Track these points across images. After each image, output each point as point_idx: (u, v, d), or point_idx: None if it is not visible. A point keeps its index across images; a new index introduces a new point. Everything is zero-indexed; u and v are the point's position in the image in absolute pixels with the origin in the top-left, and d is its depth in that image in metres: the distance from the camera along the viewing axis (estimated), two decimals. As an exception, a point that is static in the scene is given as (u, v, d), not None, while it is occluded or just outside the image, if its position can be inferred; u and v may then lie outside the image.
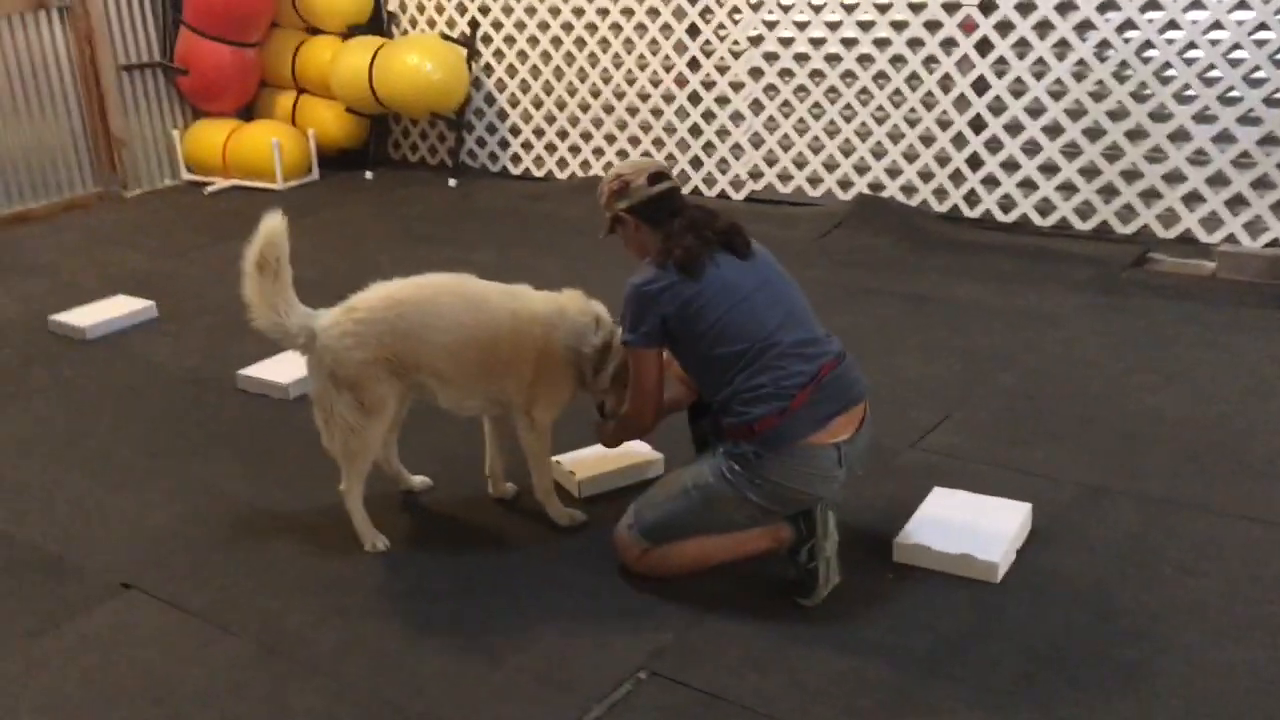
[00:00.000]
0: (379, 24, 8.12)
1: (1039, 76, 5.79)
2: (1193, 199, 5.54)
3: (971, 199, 6.17)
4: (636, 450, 3.75)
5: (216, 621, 3.10)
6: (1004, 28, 5.82)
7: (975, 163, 6.10)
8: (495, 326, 3.32)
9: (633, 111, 7.22)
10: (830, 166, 6.57)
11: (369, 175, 8.10)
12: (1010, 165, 5.99)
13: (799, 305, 3.12)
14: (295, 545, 3.46)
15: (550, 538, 3.43)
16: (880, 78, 6.24)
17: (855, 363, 3.14)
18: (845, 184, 6.54)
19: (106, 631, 3.09)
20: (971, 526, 3.22)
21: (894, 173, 6.37)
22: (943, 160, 6.19)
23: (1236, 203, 5.43)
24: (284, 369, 4.53)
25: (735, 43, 6.69)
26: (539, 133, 7.72)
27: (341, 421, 3.27)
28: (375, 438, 3.35)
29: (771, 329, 3.01)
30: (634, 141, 7.26)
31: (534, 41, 7.52)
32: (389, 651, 2.95)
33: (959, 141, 6.11)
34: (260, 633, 3.04)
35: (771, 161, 6.76)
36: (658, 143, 7.14)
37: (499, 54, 7.72)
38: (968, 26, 5.93)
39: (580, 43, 7.32)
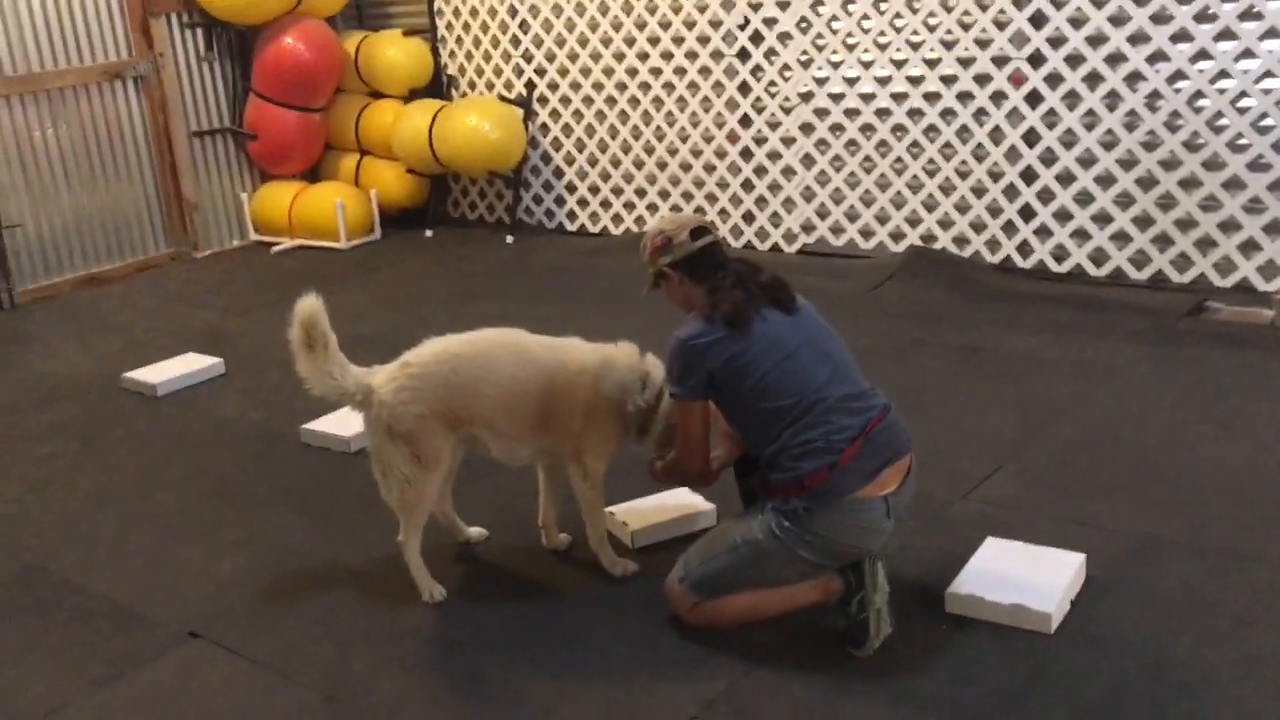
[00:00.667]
0: (439, 87, 8.36)
1: (1090, 128, 5.81)
2: (1249, 247, 5.51)
3: (1024, 250, 6.17)
4: (689, 501, 3.80)
5: (280, 670, 3.18)
6: (1054, 80, 5.85)
7: (1028, 213, 6.12)
8: (546, 379, 3.40)
9: (686, 167, 7.35)
10: (882, 219, 6.62)
11: (429, 233, 8.30)
12: (1063, 215, 5.99)
13: (845, 360, 3.15)
14: (356, 595, 3.54)
15: (603, 587, 3.48)
16: (931, 131, 6.30)
17: (899, 415, 3.16)
18: (897, 236, 6.59)
19: (174, 679, 3.18)
20: (1025, 577, 3.21)
21: (946, 224, 6.40)
22: (995, 211, 6.22)
23: (1294, 250, 5.39)
24: (346, 423, 4.64)
25: (786, 99, 6.79)
26: (594, 189, 7.87)
27: (398, 474, 3.36)
28: (431, 490, 3.43)
29: (819, 384, 3.03)
30: (687, 197, 7.37)
31: (588, 100, 7.69)
32: (446, 699, 3.00)
33: (1010, 193, 6.14)
34: (322, 681, 3.11)
35: (824, 215, 6.83)
36: (710, 198, 7.25)
37: (555, 113, 7.91)
38: (1016, 79, 5.98)
39: (634, 101, 7.48)
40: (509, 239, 7.93)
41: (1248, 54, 5.32)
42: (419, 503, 3.41)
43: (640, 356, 3.50)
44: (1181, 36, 5.47)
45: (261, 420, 5.04)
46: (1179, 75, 5.52)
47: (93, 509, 4.30)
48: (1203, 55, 5.44)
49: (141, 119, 7.86)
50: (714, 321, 3.08)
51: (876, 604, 3.02)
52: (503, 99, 7.91)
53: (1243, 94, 5.36)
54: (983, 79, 6.07)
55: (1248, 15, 5.28)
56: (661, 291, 3.32)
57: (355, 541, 3.87)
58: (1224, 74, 5.40)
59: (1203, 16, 5.39)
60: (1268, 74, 5.28)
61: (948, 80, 6.18)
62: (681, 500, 3.81)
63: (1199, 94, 5.48)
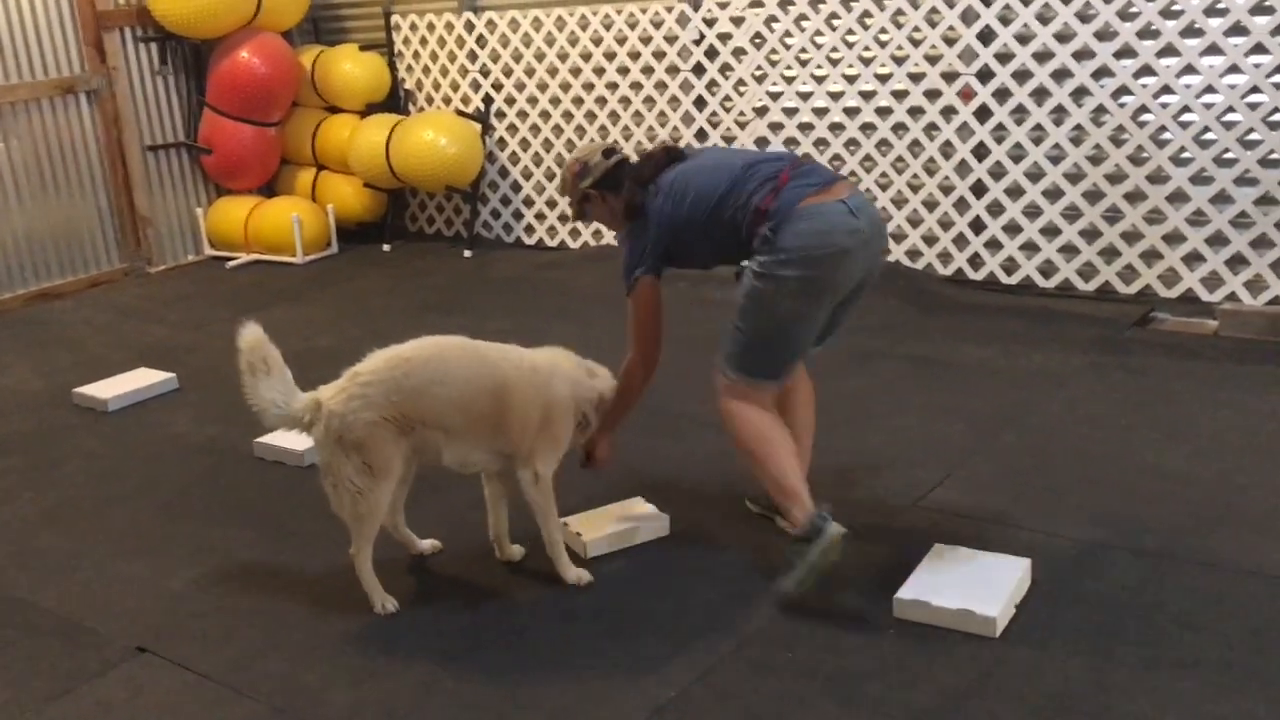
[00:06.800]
0: (396, 102, 8.36)
1: (1037, 142, 5.91)
2: (1193, 259, 5.62)
3: (975, 262, 6.26)
4: (643, 510, 3.83)
5: (229, 683, 3.16)
6: (1002, 95, 5.95)
7: (978, 226, 6.20)
8: (500, 378, 3.43)
9: (643, 182, 7.38)
10: (836, 232, 6.68)
11: (386, 248, 8.29)
12: (1012, 228, 6.09)
13: (749, 151, 3.77)
14: (307, 607, 3.53)
15: (556, 597, 3.49)
16: (883, 145, 6.38)
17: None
18: (851, 249, 6.65)
19: (122, 695, 3.16)
20: (971, 582, 3.26)
21: (899, 237, 6.47)
22: (946, 225, 6.30)
23: (1236, 262, 5.49)
24: (300, 436, 4.62)
25: (741, 114, 6.86)
26: (551, 204, 7.89)
27: (350, 485, 3.35)
28: (383, 500, 3.42)
29: (741, 164, 3.41)
30: (644, 211, 7.40)
31: (545, 115, 7.72)
32: (398, 710, 3.00)
33: (961, 206, 6.23)
34: (272, 694, 3.10)
35: (779, 228, 6.88)
36: (667, 212, 7.28)
37: (512, 128, 7.93)
38: (965, 94, 6.07)
39: (590, 115, 7.52)
40: (466, 253, 7.94)
41: (1190, 70, 5.44)
42: (370, 513, 3.40)
43: (577, 356, 3.66)
44: (1125, 52, 5.58)
45: (214, 435, 5.00)
46: (1123, 90, 5.63)
47: (41, 525, 4.25)
48: (1146, 71, 5.56)
49: (94, 134, 7.80)
50: (634, 221, 3.53)
51: (810, 557, 3.20)
52: (460, 113, 7.92)
53: (1185, 109, 5.48)
54: (933, 94, 6.16)
55: (1189, 32, 5.40)
56: (589, 217, 3.72)
57: (307, 554, 3.86)
58: (1167, 89, 5.51)
59: (1146, 33, 5.51)
60: (1209, 89, 5.40)
61: (899, 95, 6.27)
62: (635, 510, 3.84)
63: (1143, 109, 5.60)
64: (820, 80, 6.51)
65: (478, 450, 3.48)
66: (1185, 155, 5.54)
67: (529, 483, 3.49)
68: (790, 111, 6.66)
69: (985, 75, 6.00)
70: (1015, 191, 6.03)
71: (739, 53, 6.78)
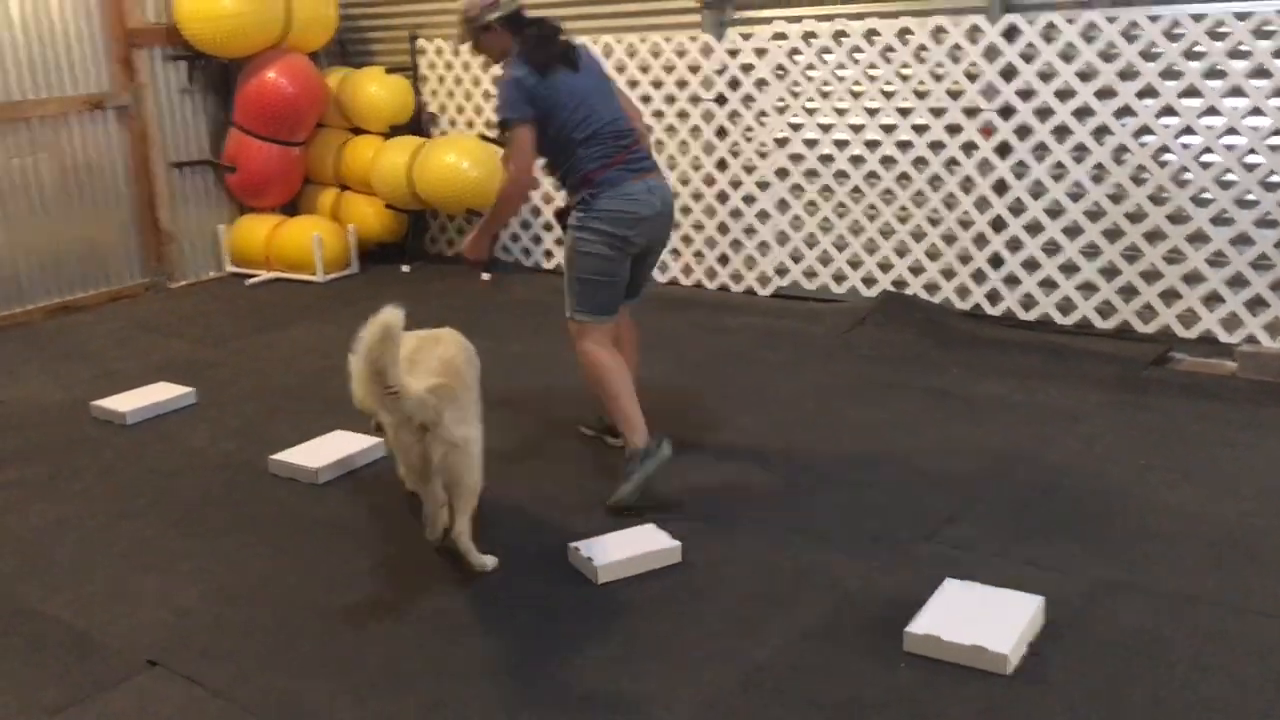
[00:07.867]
0: (419, 124, 8.43)
1: (1058, 179, 5.91)
2: (1212, 299, 5.60)
3: (993, 297, 6.25)
4: (654, 537, 3.82)
5: (236, 699, 3.16)
6: (1023, 131, 5.96)
7: (996, 261, 6.20)
8: (469, 359, 4.08)
9: (662, 210, 7.40)
10: (855, 264, 6.70)
11: (406, 269, 8.33)
12: (1031, 264, 6.08)
13: (617, 104, 4.32)
14: (314, 624, 3.53)
15: (564, 622, 3.48)
16: (903, 179, 6.39)
17: (644, 146, 4.37)
18: (869, 281, 6.66)
19: (130, 707, 3.15)
20: (983, 618, 3.23)
21: (917, 271, 6.48)
22: (965, 259, 6.30)
23: (1256, 303, 5.47)
24: (313, 455, 4.65)
25: (762, 144, 6.89)
26: (571, 229, 7.92)
27: (479, 455, 3.71)
28: None
29: (605, 120, 4.20)
30: (663, 239, 7.42)
31: (568, 142, 7.75)
32: (403, 731, 2.99)
33: (980, 241, 6.23)
34: (277, 711, 3.09)
35: (797, 259, 6.90)
36: (685, 240, 7.31)
37: (534, 154, 7.96)
38: (986, 130, 6.08)
39: (612, 143, 7.54)
40: (485, 276, 7.97)
41: (1212, 111, 5.44)
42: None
43: None
44: (1147, 92, 5.59)
45: (231, 451, 5.02)
46: (1145, 130, 5.64)
47: (56, 536, 4.27)
48: (1168, 111, 5.56)
49: (121, 150, 7.88)
50: (532, 68, 4.11)
51: (647, 470, 4.03)
52: (483, 138, 7.97)
53: (1207, 149, 5.48)
54: (954, 129, 6.18)
55: (1212, 74, 5.41)
56: (479, 46, 4.31)
57: (317, 572, 3.86)
58: (1189, 130, 5.51)
59: (1168, 73, 5.51)
60: (1230, 131, 5.40)
61: (920, 129, 6.29)
62: (648, 536, 3.83)
63: (1164, 149, 5.60)
64: (842, 113, 6.54)
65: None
66: (1206, 196, 5.54)
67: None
68: (811, 143, 6.68)
69: (1007, 111, 6.02)
70: (1035, 228, 6.03)
71: (761, 84, 6.82)
